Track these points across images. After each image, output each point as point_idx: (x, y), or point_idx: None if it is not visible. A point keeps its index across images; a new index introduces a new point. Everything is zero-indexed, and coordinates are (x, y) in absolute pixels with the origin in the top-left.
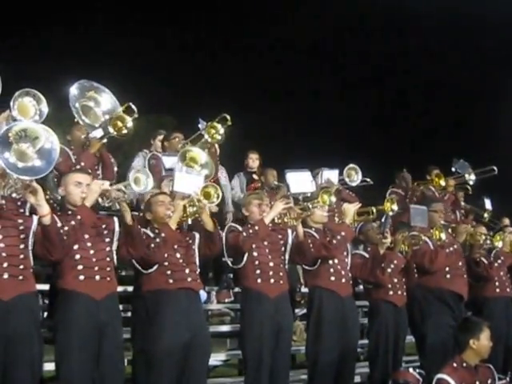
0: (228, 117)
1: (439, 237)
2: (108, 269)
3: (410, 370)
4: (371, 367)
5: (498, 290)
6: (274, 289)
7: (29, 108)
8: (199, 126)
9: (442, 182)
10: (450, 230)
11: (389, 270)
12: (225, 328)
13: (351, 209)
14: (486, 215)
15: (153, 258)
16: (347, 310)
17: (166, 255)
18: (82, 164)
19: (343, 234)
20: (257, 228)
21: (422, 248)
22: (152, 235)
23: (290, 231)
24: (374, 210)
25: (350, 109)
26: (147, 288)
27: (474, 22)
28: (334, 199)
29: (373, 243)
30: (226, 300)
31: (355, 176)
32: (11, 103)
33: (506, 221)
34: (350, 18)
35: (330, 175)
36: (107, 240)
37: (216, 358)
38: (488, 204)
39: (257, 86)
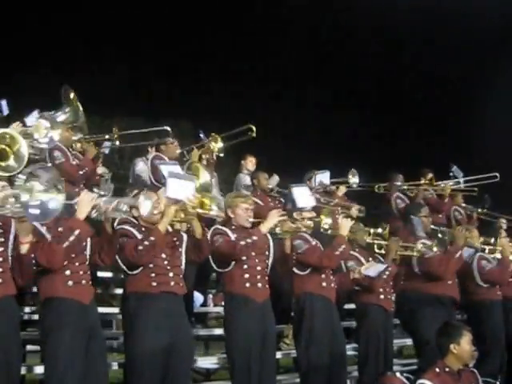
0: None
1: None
2: (88, 273)
3: (397, 374)
4: (360, 371)
5: (498, 293)
6: (261, 293)
7: (41, 131)
8: (200, 135)
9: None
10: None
11: (384, 277)
12: (222, 331)
13: (347, 225)
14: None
15: (140, 262)
16: (335, 315)
17: None
18: (86, 169)
19: (344, 247)
20: (255, 238)
21: (436, 256)
22: (140, 236)
23: (269, 236)
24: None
25: (349, 116)
26: (132, 289)
27: (471, 27)
28: (329, 221)
29: (360, 245)
30: (223, 303)
31: (353, 179)
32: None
33: (503, 221)
34: (350, 18)
35: (322, 177)
36: (84, 244)
37: (213, 362)
38: (489, 201)
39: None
